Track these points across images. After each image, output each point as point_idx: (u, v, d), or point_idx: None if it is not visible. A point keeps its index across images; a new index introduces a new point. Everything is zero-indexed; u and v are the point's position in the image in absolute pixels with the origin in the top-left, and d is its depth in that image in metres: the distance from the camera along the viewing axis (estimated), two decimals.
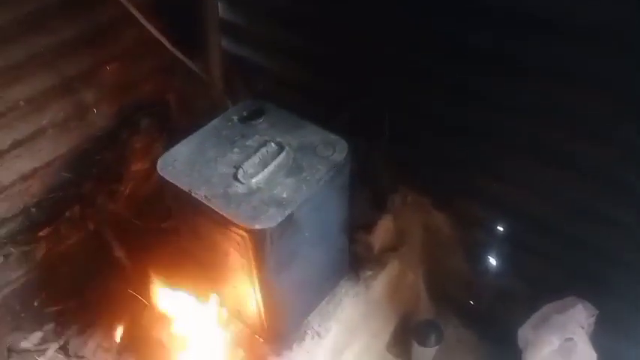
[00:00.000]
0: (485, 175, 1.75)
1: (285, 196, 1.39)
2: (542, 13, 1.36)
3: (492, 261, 1.86)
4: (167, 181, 1.44)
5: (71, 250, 1.97)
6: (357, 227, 1.78)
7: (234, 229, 1.35)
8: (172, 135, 2.05)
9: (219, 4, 1.99)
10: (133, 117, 2.17)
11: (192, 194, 1.39)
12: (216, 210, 1.35)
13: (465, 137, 1.72)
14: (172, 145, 1.56)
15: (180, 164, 1.48)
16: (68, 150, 2.07)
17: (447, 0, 1.52)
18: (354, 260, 1.80)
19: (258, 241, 1.34)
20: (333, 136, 1.55)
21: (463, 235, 1.87)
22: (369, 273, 1.80)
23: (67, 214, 2.02)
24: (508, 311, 1.77)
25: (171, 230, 1.77)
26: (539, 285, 1.73)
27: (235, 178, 1.42)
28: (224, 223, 1.36)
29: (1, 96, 1.83)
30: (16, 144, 1.93)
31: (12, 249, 1.95)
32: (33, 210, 2.02)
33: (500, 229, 1.78)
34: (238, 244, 1.38)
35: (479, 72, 1.57)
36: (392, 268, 1.84)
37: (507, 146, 1.65)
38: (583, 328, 1.55)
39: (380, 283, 1.81)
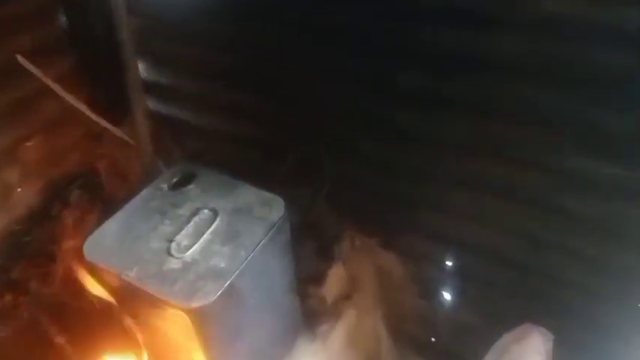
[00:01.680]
0: (428, 210, 1.74)
1: (222, 266, 1.32)
2: (466, 50, 1.38)
3: (447, 295, 1.84)
4: (96, 265, 1.36)
5: (6, 344, 1.82)
6: (306, 281, 1.73)
7: (171, 309, 1.27)
8: (106, 206, 1.97)
9: (140, 65, 1.94)
10: (62, 191, 2.07)
11: (123, 277, 1.31)
12: (150, 292, 1.28)
13: (405, 174, 1.71)
14: (106, 218, 1.48)
15: (109, 244, 1.40)
16: None
17: (375, 42, 1.52)
18: (308, 316, 1.74)
19: (199, 319, 1.27)
20: (268, 195, 1.51)
21: (415, 273, 1.84)
22: (325, 327, 1.74)
23: None
24: (469, 345, 1.74)
25: (109, 311, 1.67)
26: (495, 315, 1.71)
27: (169, 253, 1.36)
28: (160, 305, 1.28)
29: None
30: None
31: None
32: None
33: (449, 262, 1.77)
34: (178, 324, 1.30)
35: (412, 110, 1.58)
36: (348, 317, 1.79)
37: (447, 180, 1.64)
38: (541, 355, 1.54)
39: (338, 335, 1.75)
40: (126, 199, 1.55)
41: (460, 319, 1.82)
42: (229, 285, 1.29)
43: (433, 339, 1.91)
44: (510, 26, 1.31)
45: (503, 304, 1.72)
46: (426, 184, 1.70)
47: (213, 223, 1.42)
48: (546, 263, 1.58)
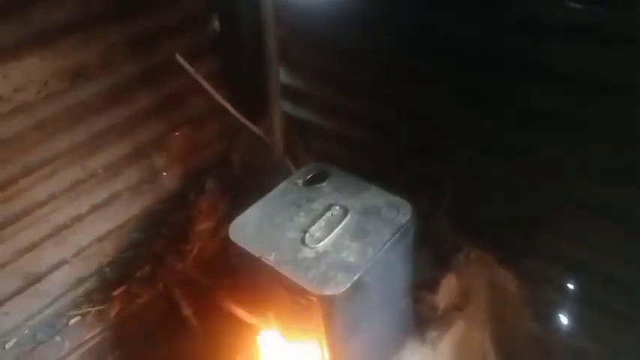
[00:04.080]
0: (550, 233, 1.73)
1: (352, 260, 1.41)
2: (605, 77, 1.37)
3: (563, 320, 1.79)
4: (238, 247, 1.50)
5: (142, 309, 2.05)
6: (420, 287, 1.77)
7: (303, 294, 1.38)
8: (237, 195, 2.15)
9: (280, 70, 2.10)
10: (199, 179, 2.29)
11: (263, 260, 1.44)
12: (287, 276, 1.39)
13: (529, 195, 1.71)
14: (237, 207, 1.63)
15: (250, 229, 1.54)
16: (140, 212, 2.21)
17: (507, 61, 1.55)
18: (419, 321, 1.78)
19: (328, 306, 1.36)
20: (396, 198, 1.58)
21: (530, 293, 1.82)
22: (435, 334, 1.77)
23: (139, 273, 2.13)
24: None
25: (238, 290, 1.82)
26: (614, 345, 1.65)
27: (303, 242, 1.47)
28: (294, 289, 1.40)
29: (83, 165, 1.98)
30: (94, 208, 2.08)
31: (88, 308, 2.05)
32: (107, 270, 2.14)
33: (571, 287, 1.73)
34: (307, 308, 1.41)
35: (543, 131, 1.58)
36: (458, 329, 1.81)
37: (573, 204, 1.63)
38: None
39: (446, 344, 1.77)
40: (256, 191, 1.70)
41: (574, 346, 1.77)
42: (357, 279, 1.38)
43: None
44: None
45: (622, 335, 1.66)
46: (550, 207, 1.69)
47: (343, 219, 1.51)
48: None
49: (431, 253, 1.85)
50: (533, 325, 1.83)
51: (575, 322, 1.77)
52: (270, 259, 1.43)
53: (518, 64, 1.53)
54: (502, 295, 1.83)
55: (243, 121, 2.13)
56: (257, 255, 1.45)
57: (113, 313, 2.04)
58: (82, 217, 2.05)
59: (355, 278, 1.37)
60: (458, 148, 1.81)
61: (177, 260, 2.12)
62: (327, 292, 1.34)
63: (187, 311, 2.04)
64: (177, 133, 2.22)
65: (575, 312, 1.76)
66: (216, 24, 2.25)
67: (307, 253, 1.44)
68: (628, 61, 1.35)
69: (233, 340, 1.84)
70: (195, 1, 2.16)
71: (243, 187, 2.17)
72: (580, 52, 1.42)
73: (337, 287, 1.35)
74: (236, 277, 1.69)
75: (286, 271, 1.40)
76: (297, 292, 1.39)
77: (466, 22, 1.59)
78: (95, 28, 1.84)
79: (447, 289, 1.82)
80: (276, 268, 1.41)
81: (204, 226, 2.12)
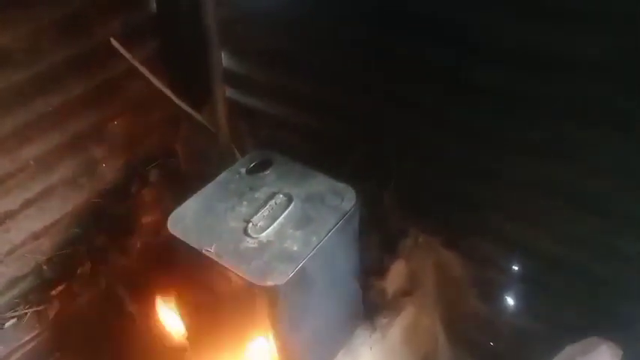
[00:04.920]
0: (496, 213, 1.73)
1: (295, 249, 1.38)
2: (552, 48, 1.37)
3: (509, 300, 1.82)
4: (178, 239, 1.44)
5: (84, 308, 1.96)
6: (369, 273, 1.76)
7: (246, 285, 1.34)
8: (181, 186, 2.07)
9: (222, 54, 2.03)
10: (141, 169, 2.20)
11: (204, 252, 1.39)
12: (228, 267, 1.35)
13: (472, 176, 1.71)
14: (182, 198, 1.57)
15: (190, 221, 1.49)
16: (78, 206, 2.10)
17: (451, 35, 1.54)
18: (368, 308, 1.77)
19: (271, 297, 1.33)
20: (340, 185, 1.55)
21: (477, 275, 1.83)
22: (385, 320, 1.77)
23: (79, 270, 2.03)
24: (529, 352, 1.72)
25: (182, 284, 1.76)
26: (560, 324, 1.69)
27: (245, 232, 1.43)
28: (236, 280, 1.35)
29: (12, 157, 1.85)
30: (27, 203, 1.95)
31: (25, 309, 1.94)
32: (45, 268, 2.03)
33: (516, 267, 1.75)
34: (251, 300, 1.37)
35: (486, 109, 1.58)
36: (407, 314, 1.81)
37: (517, 184, 1.63)
38: None
39: (396, 329, 1.77)
40: (202, 181, 1.64)
41: (521, 325, 1.80)
42: (301, 267, 1.35)
43: (492, 343, 1.89)
44: (596, 24, 1.30)
45: (569, 314, 1.69)
46: (494, 187, 1.69)
47: (287, 208, 1.48)
48: (618, 275, 1.54)
49: (379, 238, 1.84)
50: (480, 306, 1.85)
51: (520, 302, 1.79)
52: (210, 250, 1.38)
53: (462, 38, 1.52)
54: (449, 277, 1.84)
55: (185, 108, 2.05)
56: (197, 247, 1.40)
57: (52, 313, 1.94)
58: (15, 213, 1.92)
59: (298, 267, 1.34)
60: (401, 129, 1.79)
61: (120, 256, 2.03)
62: (270, 282, 1.31)
63: (132, 308, 1.95)
64: (116, 122, 2.11)
65: (520, 292, 1.79)
66: (153, 4, 2.14)
67: (250, 243, 1.41)
68: (569, 36, 1.35)
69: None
70: None
71: (189, 177, 2.09)
72: (521, 28, 1.42)
73: (280, 277, 1.32)
74: (178, 271, 1.63)
75: (228, 262, 1.36)
76: (239, 283, 1.35)
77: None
78: (18, 9, 1.71)
79: (396, 275, 1.81)
80: (218, 259, 1.37)
81: (147, 219, 2.04)
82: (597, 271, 1.57)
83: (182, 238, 1.43)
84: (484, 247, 1.80)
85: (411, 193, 1.84)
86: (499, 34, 1.45)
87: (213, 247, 1.39)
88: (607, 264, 1.55)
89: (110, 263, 2.02)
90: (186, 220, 1.48)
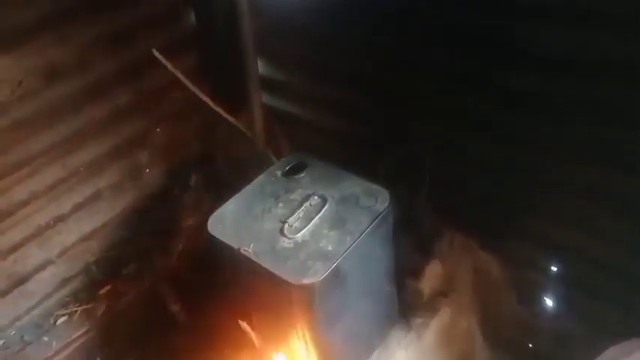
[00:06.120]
0: (533, 216, 1.72)
1: (330, 249, 1.41)
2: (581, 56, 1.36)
3: (548, 301, 1.80)
4: (217, 239, 1.50)
5: (129, 306, 2.05)
6: (404, 274, 1.77)
7: (282, 284, 1.38)
8: (220, 189, 2.14)
9: (258, 62, 2.09)
10: (182, 174, 2.28)
11: (242, 251, 1.44)
12: (265, 266, 1.39)
13: (509, 178, 1.70)
14: (221, 201, 1.63)
15: (229, 222, 1.54)
16: (124, 209, 2.20)
17: (485, 43, 1.54)
18: (404, 308, 1.78)
19: (307, 295, 1.37)
20: (374, 186, 1.58)
21: (515, 276, 1.82)
22: (420, 320, 1.77)
23: (124, 271, 2.12)
24: (568, 354, 1.70)
25: (222, 284, 1.82)
26: (600, 327, 1.65)
27: (282, 233, 1.47)
28: (273, 279, 1.39)
29: (64, 163, 1.97)
30: (77, 207, 2.07)
31: (75, 307, 2.05)
32: (93, 268, 2.13)
33: (554, 268, 1.73)
34: (287, 299, 1.41)
35: (522, 114, 1.57)
36: (443, 315, 1.81)
37: (555, 186, 1.62)
38: None
39: (432, 330, 1.78)
40: (240, 184, 1.69)
41: (561, 327, 1.77)
42: (336, 267, 1.38)
43: (530, 345, 1.87)
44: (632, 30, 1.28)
45: (609, 316, 1.66)
46: (531, 190, 1.68)
47: (322, 209, 1.51)
48: None
49: (414, 239, 1.85)
50: (518, 308, 1.83)
51: (560, 304, 1.76)
52: (248, 250, 1.43)
53: (496, 44, 1.52)
54: (486, 279, 1.83)
55: (224, 114, 2.12)
56: (235, 247, 1.45)
57: (100, 311, 2.03)
58: (65, 216, 2.04)
59: (333, 266, 1.37)
60: (436, 132, 1.80)
61: (163, 257, 2.11)
62: (306, 280, 1.34)
63: (175, 307, 2.03)
64: (159, 130, 2.21)
65: (559, 294, 1.76)
66: (192, 18, 2.24)
67: (286, 243, 1.45)
68: (605, 39, 1.34)
69: (223, 334, 1.85)
70: None
71: (227, 181, 2.16)
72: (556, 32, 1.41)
73: (315, 276, 1.35)
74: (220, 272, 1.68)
75: (265, 261, 1.40)
76: (276, 282, 1.39)
77: (445, 5, 1.57)
78: (68, 26, 1.83)
79: (431, 276, 1.82)
80: (255, 259, 1.41)
81: (189, 221, 2.12)
82: (633, 273, 1.54)
83: (221, 239, 1.49)
84: (521, 249, 1.79)
85: (446, 195, 1.85)
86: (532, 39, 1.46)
87: (250, 247, 1.44)
88: None
89: (154, 264, 2.10)
90: (225, 222, 1.54)
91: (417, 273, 1.80)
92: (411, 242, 1.83)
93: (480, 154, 1.75)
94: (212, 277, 1.96)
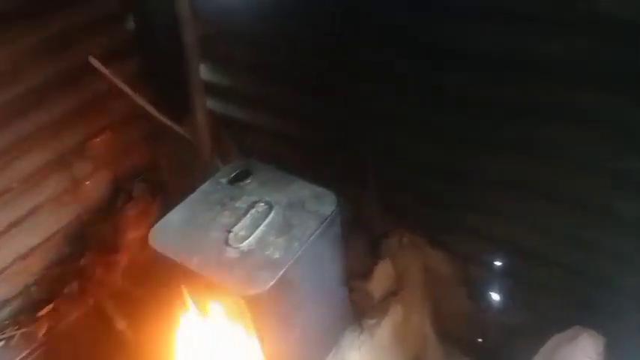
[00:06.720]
0: (477, 211, 1.76)
1: (277, 256, 1.39)
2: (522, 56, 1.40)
3: (495, 296, 1.84)
4: (159, 253, 1.45)
5: (73, 327, 1.96)
6: (355, 275, 1.77)
7: (229, 295, 1.35)
8: (166, 199, 2.08)
9: (202, 67, 2.04)
10: (126, 185, 2.21)
11: (185, 264, 1.39)
12: (210, 278, 1.35)
13: (453, 176, 1.73)
14: (166, 212, 1.58)
15: (172, 233, 1.49)
16: (64, 224, 2.11)
17: (423, 44, 1.56)
18: (356, 309, 1.78)
19: (255, 305, 1.34)
20: (320, 189, 1.56)
21: (463, 272, 1.85)
22: (373, 321, 1.78)
23: (66, 290, 2.03)
24: (516, 346, 1.74)
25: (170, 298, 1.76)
26: (544, 317, 1.71)
27: (227, 242, 1.43)
28: (219, 291, 1.36)
29: None
30: (13, 224, 1.96)
31: (14, 331, 1.94)
32: (33, 289, 2.03)
33: (499, 263, 1.77)
34: (234, 310, 1.38)
35: (459, 112, 1.60)
36: (395, 313, 1.82)
37: (495, 182, 1.66)
38: (591, 358, 1.52)
39: (384, 329, 1.78)
40: (186, 193, 1.65)
41: (508, 320, 1.82)
42: (283, 274, 1.35)
43: (480, 339, 1.91)
44: (560, 26, 1.33)
45: (552, 307, 1.71)
46: (473, 185, 1.71)
47: (268, 215, 1.48)
48: (595, 266, 1.57)
49: (364, 240, 1.86)
50: (468, 303, 1.86)
51: (506, 297, 1.81)
52: (192, 262, 1.39)
53: (431, 45, 1.55)
54: (436, 276, 1.86)
55: (167, 122, 2.06)
56: (178, 260, 1.41)
57: (41, 333, 1.94)
58: (1, 234, 1.93)
59: (280, 274, 1.34)
60: (378, 133, 1.81)
61: (107, 273, 2.03)
62: (252, 291, 1.31)
63: (121, 325, 1.95)
64: (99, 139, 2.13)
65: (504, 288, 1.81)
66: (131, 23, 2.16)
67: (232, 253, 1.41)
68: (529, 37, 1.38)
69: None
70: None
71: (173, 190, 2.10)
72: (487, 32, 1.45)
73: (262, 285, 1.32)
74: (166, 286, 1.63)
75: (210, 273, 1.36)
76: (222, 294, 1.36)
77: (382, 5, 1.58)
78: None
79: (382, 275, 1.83)
80: (199, 271, 1.37)
81: (133, 234, 2.05)
82: (575, 264, 1.60)
83: (163, 252, 1.44)
84: (467, 245, 1.83)
85: (392, 194, 1.86)
86: (467, 40, 1.49)
87: (194, 259, 1.40)
88: (583, 256, 1.58)
89: (98, 281, 2.02)
90: (167, 234, 1.49)
91: (367, 273, 1.80)
92: (360, 243, 1.84)
93: (420, 154, 1.77)
94: (159, 292, 1.90)
